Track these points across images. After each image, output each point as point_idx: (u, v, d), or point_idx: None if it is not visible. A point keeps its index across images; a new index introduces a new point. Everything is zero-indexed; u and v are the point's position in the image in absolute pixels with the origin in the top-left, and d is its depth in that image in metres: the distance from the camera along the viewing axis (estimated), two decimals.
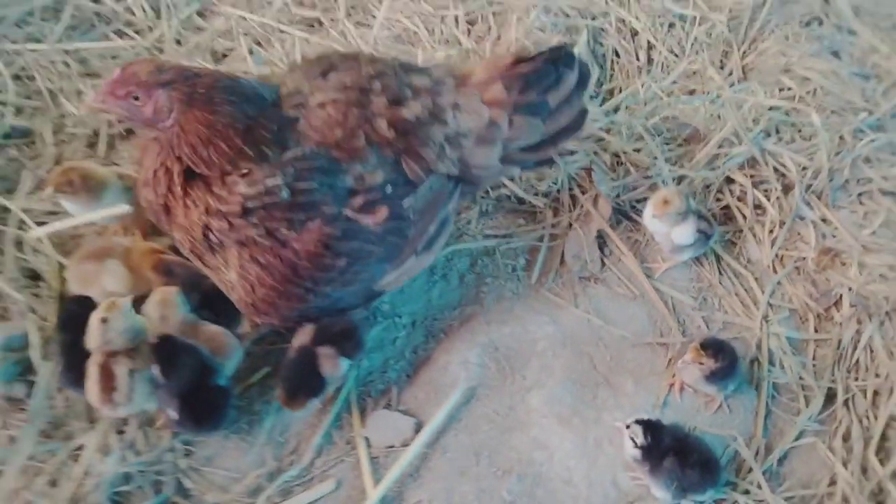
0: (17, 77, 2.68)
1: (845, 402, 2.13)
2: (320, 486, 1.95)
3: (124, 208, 2.09)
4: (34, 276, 2.20)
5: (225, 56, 2.92)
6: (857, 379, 2.18)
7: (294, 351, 1.99)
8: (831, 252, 2.41)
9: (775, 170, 2.55)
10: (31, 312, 2.09)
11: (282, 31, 2.98)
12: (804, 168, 2.54)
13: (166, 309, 1.95)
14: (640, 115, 2.69)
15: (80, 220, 2.13)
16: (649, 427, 1.92)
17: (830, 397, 2.16)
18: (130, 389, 1.83)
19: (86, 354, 1.86)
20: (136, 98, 1.71)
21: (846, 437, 2.08)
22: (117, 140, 2.57)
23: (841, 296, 2.34)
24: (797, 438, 2.09)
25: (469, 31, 2.99)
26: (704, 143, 2.61)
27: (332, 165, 1.79)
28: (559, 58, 1.94)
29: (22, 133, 2.57)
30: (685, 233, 2.29)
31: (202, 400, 1.89)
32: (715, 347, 2.03)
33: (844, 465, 2.02)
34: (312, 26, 3.05)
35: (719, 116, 2.69)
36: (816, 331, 2.32)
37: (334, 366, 1.97)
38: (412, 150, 1.86)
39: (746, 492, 1.99)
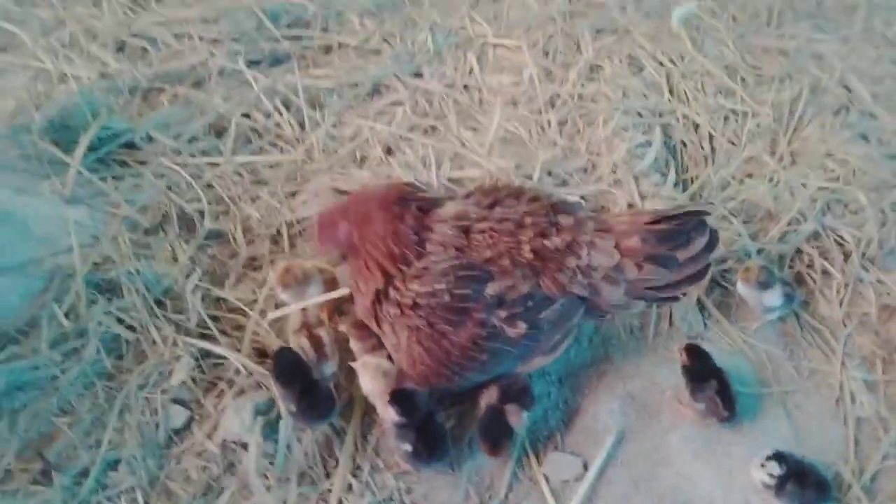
0: (208, 186, 3.22)
1: None
2: None
3: (345, 291, 2.62)
4: (262, 353, 2.72)
5: (363, 160, 3.47)
6: None
7: (484, 409, 2.50)
8: (889, 308, 2.98)
9: (836, 241, 3.14)
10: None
11: (404, 138, 3.56)
12: (858, 238, 3.13)
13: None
14: (718, 199, 3.27)
15: (307, 302, 2.65)
16: (778, 458, 2.43)
17: None
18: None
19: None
20: (335, 232, 2.44)
21: None
22: (297, 238, 3.10)
23: None
24: (883, 460, 2.60)
25: (561, 131, 3.58)
26: (775, 221, 3.20)
27: (484, 277, 2.34)
28: (693, 223, 2.37)
29: (216, 234, 3.10)
30: (774, 296, 2.85)
31: (431, 435, 2.39)
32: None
33: None
34: (427, 132, 3.63)
35: (776, 197, 3.27)
36: (884, 373, 2.86)
37: (520, 419, 2.48)
38: (549, 272, 2.35)
39: None
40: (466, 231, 2.39)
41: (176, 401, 2.61)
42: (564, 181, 3.31)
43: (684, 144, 3.59)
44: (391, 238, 2.34)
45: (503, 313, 2.31)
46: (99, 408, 2.58)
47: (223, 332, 2.77)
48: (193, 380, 2.65)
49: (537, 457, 2.58)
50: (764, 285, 2.83)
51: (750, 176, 3.48)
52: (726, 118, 3.71)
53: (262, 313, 2.79)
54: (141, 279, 2.80)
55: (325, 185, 3.29)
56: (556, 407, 2.72)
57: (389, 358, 2.52)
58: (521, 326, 2.33)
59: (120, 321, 2.73)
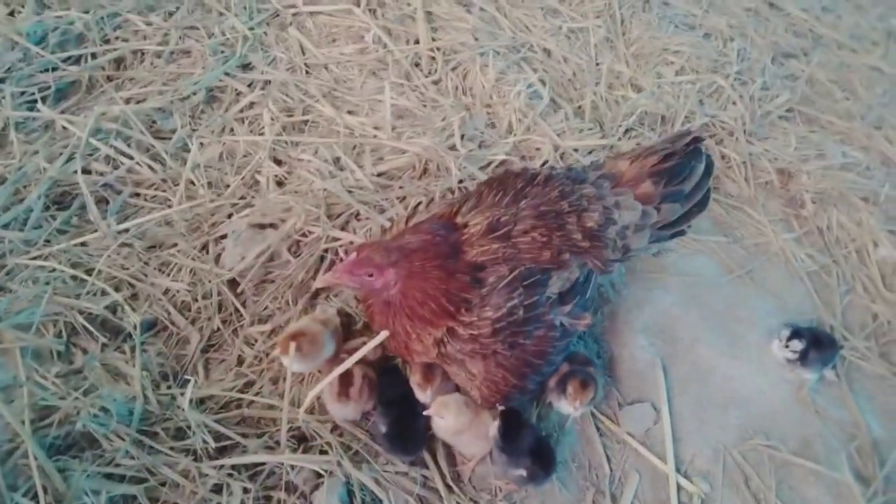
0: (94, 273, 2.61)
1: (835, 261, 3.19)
2: (631, 481, 2.47)
3: (385, 334, 2.31)
4: (301, 438, 2.38)
5: (255, 183, 3.03)
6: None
7: (560, 374, 2.47)
8: (783, 171, 3.44)
9: (720, 127, 3.52)
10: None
11: (290, 144, 3.17)
12: (734, 118, 3.53)
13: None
14: (620, 118, 3.44)
15: (351, 362, 2.30)
16: (796, 335, 2.73)
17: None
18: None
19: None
20: (370, 275, 2.16)
21: None
22: (247, 297, 2.68)
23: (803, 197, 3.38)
24: (841, 300, 3.07)
25: (442, 90, 3.44)
26: (670, 123, 3.47)
27: (544, 278, 2.28)
28: (693, 154, 2.43)
29: (146, 327, 2.59)
30: None
31: (544, 454, 2.31)
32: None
33: None
34: (305, 129, 3.26)
35: (663, 102, 3.55)
36: (800, 227, 3.33)
37: (597, 376, 2.50)
38: (596, 250, 2.36)
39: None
40: (507, 237, 2.26)
41: None
42: (482, 142, 3.21)
43: (546, 72, 3.64)
44: (445, 296, 2.18)
45: (567, 308, 2.31)
46: None
47: (242, 436, 2.32)
48: (243, 502, 2.19)
49: (612, 419, 2.59)
50: None
51: (641, 91, 3.64)
52: (568, 38, 3.83)
53: (295, 403, 2.40)
54: (112, 416, 2.20)
55: (242, 226, 2.81)
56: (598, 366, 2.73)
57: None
58: (587, 318, 2.36)
59: (113, 477, 2.15)
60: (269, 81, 3.38)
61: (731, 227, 3.29)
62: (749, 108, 3.58)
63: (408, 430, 2.32)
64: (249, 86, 3.37)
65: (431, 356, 2.27)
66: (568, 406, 2.40)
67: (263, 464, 2.28)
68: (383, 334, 2.30)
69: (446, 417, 2.28)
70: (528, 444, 2.28)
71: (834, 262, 3.21)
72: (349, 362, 2.29)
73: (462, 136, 3.18)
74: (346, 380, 2.31)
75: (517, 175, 2.42)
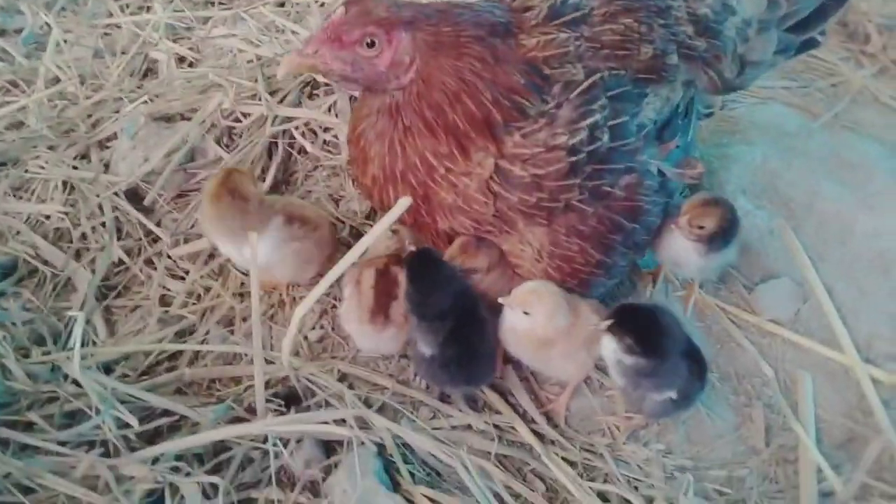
0: None
1: None
2: (803, 385, 1.62)
3: (407, 202, 1.39)
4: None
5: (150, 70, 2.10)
6: None
7: None
8: None
9: None
10: None
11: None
12: None
13: None
14: None
15: (361, 248, 1.37)
16: None
17: None
18: None
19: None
20: (371, 44, 1.29)
21: None
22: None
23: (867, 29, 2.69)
24: None
25: None
26: None
27: (639, 92, 1.47)
28: None
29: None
30: None
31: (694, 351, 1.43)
32: None
33: None
34: None
35: None
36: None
37: None
38: (716, 55, 1.58)
39: None
40: (583, 23, 1.45)
41: None
42: None
43: None
44: (490, 90, 1.36)
45: (668, 146, 1.55)
46: None
47: (191, 406, 1.35)
48: None
49: (744, 308, 1.76)
50: None
51: None
52: None
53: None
54: None
55: (139, 120, 1.85)
56: None
57: None
58: (698, 164, 1.59)
59: None
60: None
61: (794, 70, 2.56)
62: None
63: (471, 348, 1.40)
64: None
65: (478, 215, 1.41)
66: (682, 241, 1.56)
67: (230, 448, 1.31)
68: (404, 201, 1.39)
69: (535, 314, 1.39)
70: (677, 342, 1.39)
71: None
72: (358, 248, 1.36)
73: None
74: (386, 289, 1.43)
75: None
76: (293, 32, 2.09)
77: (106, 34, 2.21)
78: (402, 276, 1.41)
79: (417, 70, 1.34)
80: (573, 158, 1.39)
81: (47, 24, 2.22)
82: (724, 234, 1.54)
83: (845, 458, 1.54)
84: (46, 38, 2.16)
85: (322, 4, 2.26)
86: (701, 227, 1.52)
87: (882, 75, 2.63)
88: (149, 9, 2.28)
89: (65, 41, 2.15)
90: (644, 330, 1.37)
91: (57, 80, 2.02)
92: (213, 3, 2.33)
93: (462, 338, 1.41)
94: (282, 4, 2.31)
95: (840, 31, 2.77)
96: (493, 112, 1.37)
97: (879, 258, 1.94)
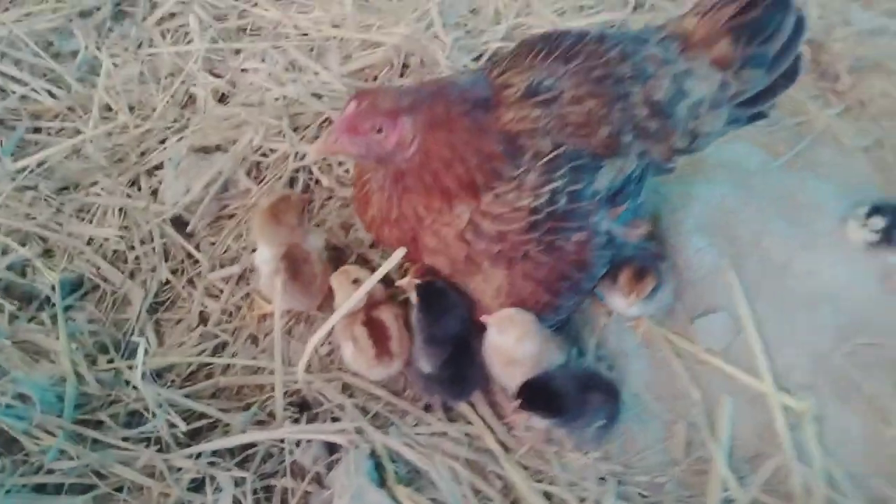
0: None
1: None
2: (724, 407, 1.97)
3: (402, 252, 1.75)
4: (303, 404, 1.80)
5: (191, 98, 2.41)
6: None
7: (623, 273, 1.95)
8: (812, 41, 2.99)
9: None
10: None
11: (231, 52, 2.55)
12: None
13: None
14: None
15: (363, 291, 1.74)
16: (875, 211, 2.28)
17: None
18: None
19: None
20: (380, 130, 1.60)
21: None
22: (201, 237, 2.05)
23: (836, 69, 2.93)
24: None
25: None
26: None
27: (596, 164, 1.76)
28: (777, 4, 1.86)
29: (71, 287, 1.97)
30: None
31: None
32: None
33: None
34: (255, 34, 2.64)
35: None
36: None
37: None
38: (666, 133, 1.84)
39: None
40: (553, 103, 1.73)
41: None
42: (469, 31, 2.64)
43: None
44: (476, 156, 1.66)
45: (618, 210, 1.84)
46: None
47: (223, 410, 1.72)
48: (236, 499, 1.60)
49: (684, 336, 2.08)
50: None
51: None
52: None
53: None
54: (36, 405, 1.57)
55: (182, 151, 2.18)
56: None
57: None
58: (643, 225, 1.93)
59: (44, 489, 1.53)
60: None
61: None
62: None
63: (463, 371, 1.80)
64: None
65: (453, 257, 1.75)
66: (620, 300, 1.91)
67: (255, 445, 1.69)
68: (399, 252, 1.74)
69: (506, 336, 1.77)
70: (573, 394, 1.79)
71: (886, 135, 2.77)
72: (360, 292, 1.72)
73: (443, 25, 2.61)
74: (378, 333, 1.79)
75: (563, 33, 1.86)
76: (315, 73, 2.39)
77: (149, 59, 2.52)
78: (387, 317, 1.77)
79: (418, 145, 1.64)
80: (533, 218, 1.69)
81: (97, 47, 2.53)
82: (652, 299, 1.90)
83: (749, 470, 1.90)
84: (95, 62, 2.48)
85: (341, 40, 2.55)
86: (634, 294, 1.86)
87: (847, 114, 2.88)
88: (187, 34, 2.58)
89: (114, 65, 2.47)
90: (543, 398, 1.73)
91: (108, 108, 2.35)
92: (245, 31, 2.64)
93: (458, 360, 1.77)
94: (305, 34, 2.62)
95: (813, 69, 3.04)
96: (477, 175, 1.67)
97: (810, 295, 2.24)
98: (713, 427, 1.95)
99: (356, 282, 1.78)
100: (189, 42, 2.53)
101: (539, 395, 1.76)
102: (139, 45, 2.55)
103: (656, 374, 2.06)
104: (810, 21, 2.82)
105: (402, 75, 2.45)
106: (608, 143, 1.76)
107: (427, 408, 1.88)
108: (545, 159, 1.69)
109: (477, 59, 2.53)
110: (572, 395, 1.78)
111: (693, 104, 1.86)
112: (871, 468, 1.94)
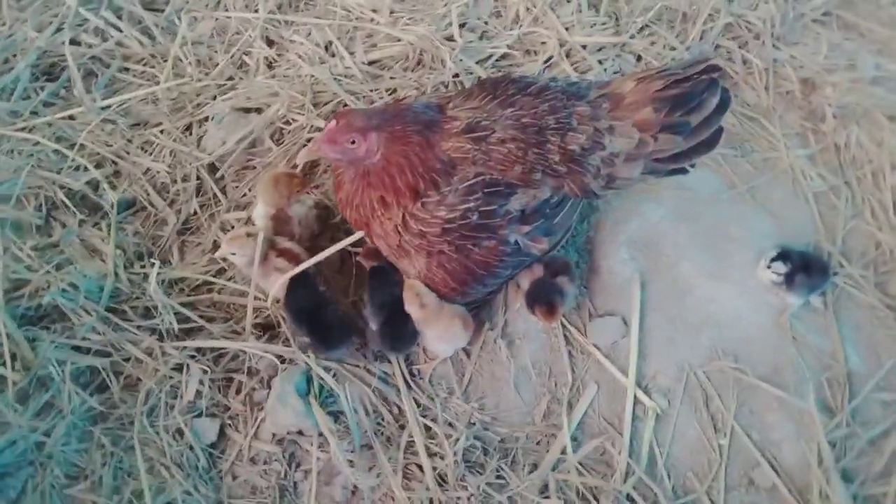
0: (78, 147, 2.69)
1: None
2: (589, 391, 2.53)
3: (359, 234, 2.37)
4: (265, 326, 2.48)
5: (243, 65, 3.00)
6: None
7: (531, 284, 2.50)
8: (808, 80, 3.26)
9: (746, 28, 3.30)
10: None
11: (284, 23, 3.09)
12: (763, 20, 3.31)
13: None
14: (638, 11, 3.25)
15: (323, 255, 2.40)
16: (782, 257, 2.67)
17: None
18: None
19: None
20: (353, 142, 2.11)
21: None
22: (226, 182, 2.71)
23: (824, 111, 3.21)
24: (846, 224, 2.96)
25: None
26: (692, 21, 3.27)
27: (508, 191, 2.25)
28: (705, 83, 2.21)
29: (125, 205, 2.69)
30: None
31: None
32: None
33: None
34: (301, 8, 3.18)
35: None
36: (816, 143, 3.17)
37: (571, 286, 2.53)
38: (574, 175, 2.28)
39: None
40: (482, 141, 2.22)
41: (198, 415, 2.29)
42: (484, 33, 3.10)
43: None
44: (422, 165, 2.16)
45: (525, 228, 2.31)
46: (113, 457, 2.21)
47: (209, 319, 2.42)
48: (201, 382, 2.31)
49: (580, 330, 2.61)
50: None
51: None
52: None
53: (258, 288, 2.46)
54: (81, 291, 2.30)
55: (226, 109, 2.81)
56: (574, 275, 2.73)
57: None
58: (543, 243, 2.36)
59: (80, 349, 2.28)
60: None
61: (742, 139, 3.16)
62: (781, 8, 3.35)
63: (398, 330, 2.39)
64: None
65: (389, 243, 2.30)
66: (537, 322, 2.46)
67: (226, 349, 2.38)
68: (358, 234, 2.34)
69: (408, 304, 2.36)
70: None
71: (845, 184, 3.07)
72: (318, 258, 2.34)
73: (463, 26, 3.08)
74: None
75: (512, 81, 2.33)
76: (341, 58, 2.94)
77: (220, 20, 3.12)
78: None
79: (382, 154, 2.14)
80: (447, 226, 2.20)
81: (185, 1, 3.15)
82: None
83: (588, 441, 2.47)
84: (178, 13, 3.10)
85: (374, 24, 3.07)
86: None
87: (819, 156, 3.17)
88: (255, 10, 3.15)
89: (194, 19, 3.09)
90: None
91: (180, 59, 2.98)
92: (298, 8, 3.19)
93: (393, 320, 2.39)
94: (348, 12, 3.14)
95: (804, 106, 3.31)
96: (420, 183, 2.20)
97: (701, 319, 2.67)
98: (572, 404, 2.52)
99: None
100: (256, 10, 3.11)
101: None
102: (217, 5, 3.15)
103: (545, 355, 2.57)
104: (816, 58, 3.16)
105: (413, 69, 2.96)
106: (521, 177, 2.24)
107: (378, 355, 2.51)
108: (466, 184, 2.21)
109: (481, 62, 2.99)
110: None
111: (608, 155, 2.29)
112: (690, 464, 2.47)
